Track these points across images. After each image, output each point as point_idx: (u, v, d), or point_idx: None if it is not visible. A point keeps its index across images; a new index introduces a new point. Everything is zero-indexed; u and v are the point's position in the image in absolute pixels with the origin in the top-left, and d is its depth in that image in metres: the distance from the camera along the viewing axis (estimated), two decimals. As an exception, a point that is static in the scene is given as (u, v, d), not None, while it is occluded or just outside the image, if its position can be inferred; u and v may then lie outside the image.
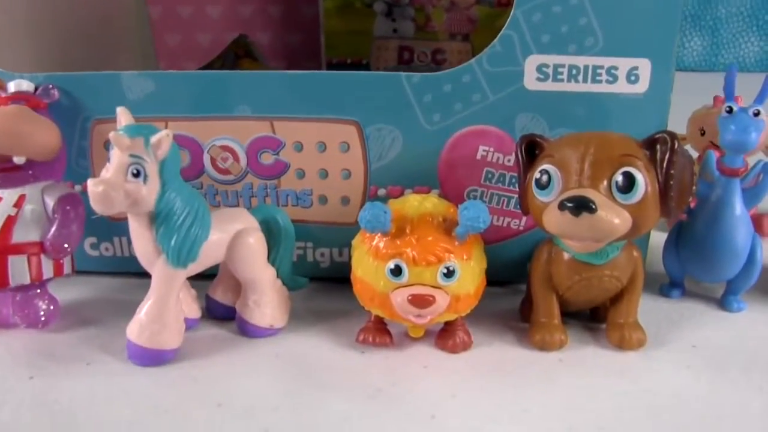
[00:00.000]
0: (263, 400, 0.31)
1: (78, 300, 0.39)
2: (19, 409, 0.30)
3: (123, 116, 0.32)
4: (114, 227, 0.40)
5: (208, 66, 0.56)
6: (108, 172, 0.31)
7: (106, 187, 0.30)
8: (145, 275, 0.35)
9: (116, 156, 0.31)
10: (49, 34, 0.51)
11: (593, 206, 0.30)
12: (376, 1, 0.61)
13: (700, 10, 0.76)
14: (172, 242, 0.32)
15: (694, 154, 0.48)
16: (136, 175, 0.31)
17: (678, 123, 0.46)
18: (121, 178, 0.30)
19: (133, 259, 0.40)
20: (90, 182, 0.30)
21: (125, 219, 0.33)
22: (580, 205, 0.30)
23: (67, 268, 0.36)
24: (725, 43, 0.86)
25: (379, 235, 0.32)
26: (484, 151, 0.37)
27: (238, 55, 0.56)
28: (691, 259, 0.38)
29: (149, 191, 0.31)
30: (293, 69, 0.63)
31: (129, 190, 0.30)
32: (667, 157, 0.31)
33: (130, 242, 0.39)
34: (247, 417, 0.30)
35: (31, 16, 0.51)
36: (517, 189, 0.37)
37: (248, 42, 0.57)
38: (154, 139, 0.31)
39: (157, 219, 0.32)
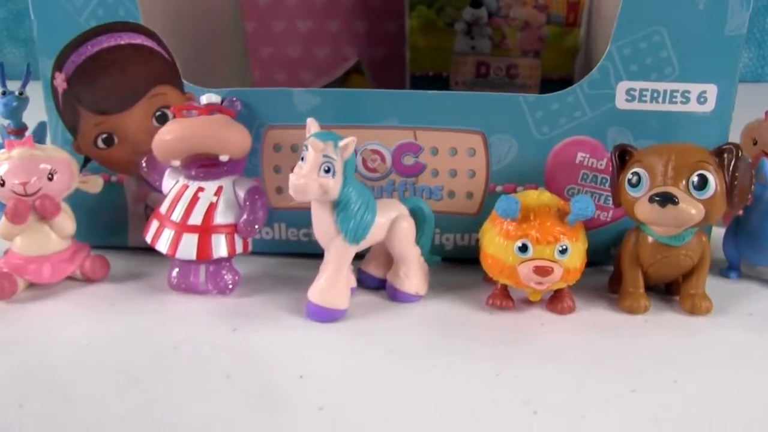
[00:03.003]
0: (423, 347, 0.44)
1: (246, 274, 0.52)
2: (231, 354, 0.43)
3: (312, 125, 0.45)
4: (273, 215, 0.53)
5: (332, 82, 0.70)
6: (303, 169, 0.43)
7: (306, 180, 0.43)
8: (296, 255, 0.49)
9: (311, 156, 0.43)
10: (172, 47, 0.62)
11: (676, 200, 0.43)
12: (457, 21, 0.74)
13: (748, 23, 0.90)
14: (350, 225, 0.44)
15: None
16: (327, 171, 0.43)
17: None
18: (315, 174, 0.43)
19: (287, 241, 0.54)
20: (292, 177, 0.43)
21: (280, 209, 0.46)
22: (666, 199, 0.43)
23: (249, 246, 0.49)
24: (772, 55, 0.99)
25: (508, 221, 0.45)
26: (581, 156, 0.50)
27: (349, 71, 0.69)
28: (746, 246, 0.51)
29: (335, 184, 0.44)
30: (377, 80, 0.77)
31: (322, 183, 0.43)
32: (732, 163, 0.44)
33: (287, 227, 0.53)
34: (415, 359, 0.42)
35: (164, 36, 0.64)
36: (607, 187, 0.50)
37: (359, 61, 0.71)
38: (342, 143, 0.43)
39: (338, 206, 0.44)
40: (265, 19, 0.79)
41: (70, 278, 0.51)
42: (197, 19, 0.71)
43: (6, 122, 0.60)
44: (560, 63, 0.75)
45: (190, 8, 0.68)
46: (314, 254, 0.51)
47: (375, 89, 0.50)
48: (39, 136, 0.58)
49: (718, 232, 0.54)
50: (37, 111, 0.62)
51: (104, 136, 0.53)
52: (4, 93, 0.57)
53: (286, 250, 0.54)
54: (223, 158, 0.47)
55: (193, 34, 0.71)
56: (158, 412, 0.37)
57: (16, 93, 0.58)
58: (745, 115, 0.62)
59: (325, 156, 0.43)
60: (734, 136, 0.60)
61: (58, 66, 0.51)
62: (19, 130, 0.59)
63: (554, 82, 0.75)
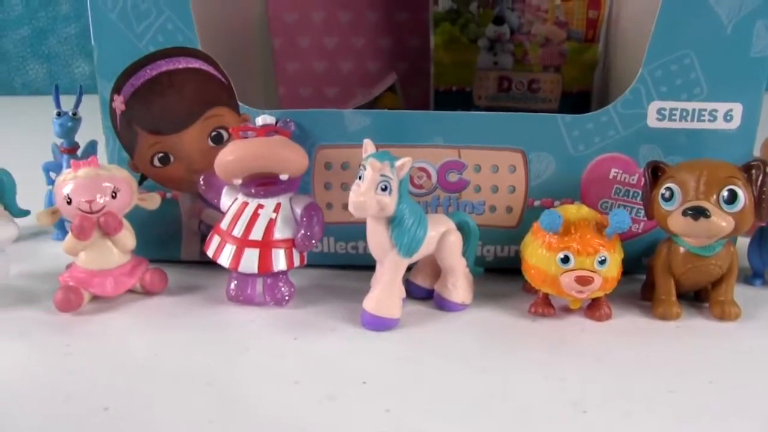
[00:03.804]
0: (472, 352, 0.48)
1: (298, 286, 0.56)
2: (295, 361, 0.47)
3: (369, 146, 0.49)
4: (322, 230, 0.57)
5: (370, 102, 0.74)
6: (362, 187, 0.47)
7: (365, 198, 0.47)
8: (344, 267, 0.54)
9: (369, 175, 0.47)
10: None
11: (708, 213, 0.48)
12: (480, 37, 0.79)
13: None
14: (405, 239, 0.48)
15: None
16: (384, 189, 0.47)
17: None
18: (373, 192, 0.47)
19: (336, 254, 0.58)
20: (352, 194, 0.47)
21: (330, 223, 0.52)
22: (699, 213, 0.48)
23: (305, 259, 0.53)
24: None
25: (549, 234, 0.49)
26: (615, 172, 0.55)
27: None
28: (770, 255, 0.56)
29: (391, 201, 0.48)
30: (402, 94, 0.80)
31: (379, 201, 0.47)
32: (760, 178, 0.49)
33: (336, 241, 0.57)
34: (467, 363, 0.46)
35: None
36: (638, 201, 0.55)
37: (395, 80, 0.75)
38: (398, 163, 0.47)
39: (393, 222, 0.48)
40: (292, 35, 0.83)
41: (130, 291, 0.55)
42: (229, 35, 0.75)
43: (60, 141, 0.64)
44: (580, 77, 0.79)
45: (222, 25, 0.72)
46: (361, 266, 0.56)
47: (424, 111, 0.54)
48: (90, 154, 0.62)
49: (743, 242, 0.58)
50: (85, 127, 0.66)
51: (160, 155, 0.57)
52: (59, 114, 0.61)
53: (334, 262, 0.58)
54: (283, 177, 0.51)
55: (225, 50, 0.75)
56: (237, 415, 0.41)
57: (70, 113, 0.62)
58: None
59: (382, 175, 0.47)
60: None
61: (117, 89, 0.55)
62: (72, 149, 0.63)
63: (574, 95, 0.80)
